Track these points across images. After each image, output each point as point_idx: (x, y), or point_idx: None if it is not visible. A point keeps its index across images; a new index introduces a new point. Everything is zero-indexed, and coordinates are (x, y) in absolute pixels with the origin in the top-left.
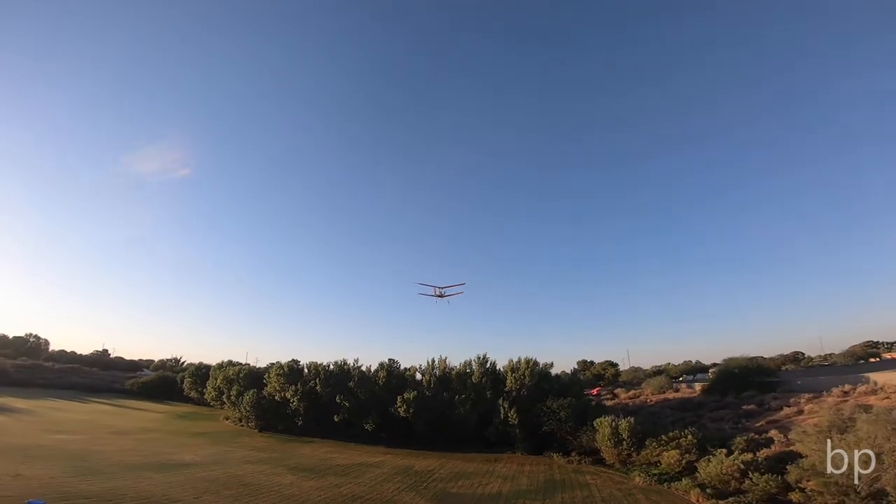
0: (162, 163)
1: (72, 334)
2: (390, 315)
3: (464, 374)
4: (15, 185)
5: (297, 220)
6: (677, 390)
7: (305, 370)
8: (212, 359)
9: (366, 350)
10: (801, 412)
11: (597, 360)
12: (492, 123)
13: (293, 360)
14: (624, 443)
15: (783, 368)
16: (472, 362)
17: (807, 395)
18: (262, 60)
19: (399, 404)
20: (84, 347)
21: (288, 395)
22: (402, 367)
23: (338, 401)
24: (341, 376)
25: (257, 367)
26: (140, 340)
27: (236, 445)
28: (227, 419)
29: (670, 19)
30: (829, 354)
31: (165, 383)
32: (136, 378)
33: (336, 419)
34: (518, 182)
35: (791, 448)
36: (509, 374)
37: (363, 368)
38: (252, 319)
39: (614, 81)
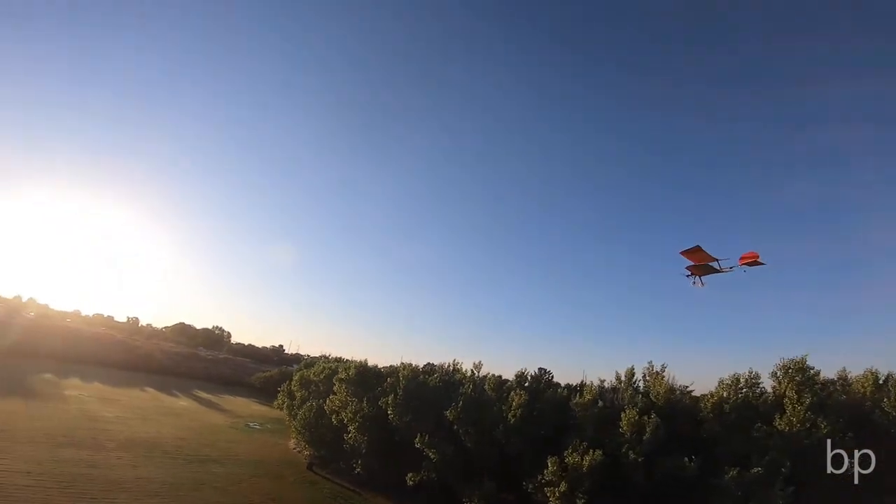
0: None
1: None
2: None
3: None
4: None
5: None
6: None
7: (392, 378)
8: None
9: None
10: None
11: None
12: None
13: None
14: None
15: None
16: None
17: None
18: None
19: (549, 470)
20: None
21: (346, 416)
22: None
23: (418, 444)
24: (440, 393)
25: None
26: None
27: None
28: (294, 439)
29: None
30: None
31: (284, 380)
32: (260, 374)
33: (410, 480)
34: None
35: None
36: None
37: (486, 384)
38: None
39: None
